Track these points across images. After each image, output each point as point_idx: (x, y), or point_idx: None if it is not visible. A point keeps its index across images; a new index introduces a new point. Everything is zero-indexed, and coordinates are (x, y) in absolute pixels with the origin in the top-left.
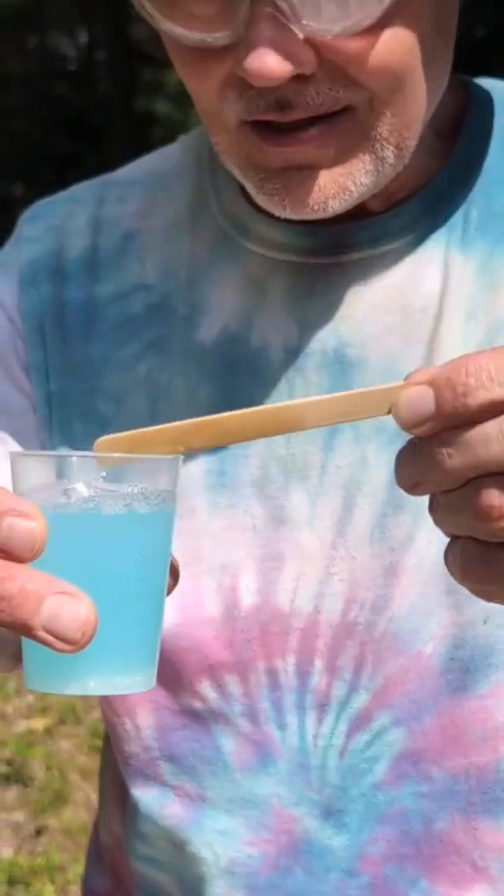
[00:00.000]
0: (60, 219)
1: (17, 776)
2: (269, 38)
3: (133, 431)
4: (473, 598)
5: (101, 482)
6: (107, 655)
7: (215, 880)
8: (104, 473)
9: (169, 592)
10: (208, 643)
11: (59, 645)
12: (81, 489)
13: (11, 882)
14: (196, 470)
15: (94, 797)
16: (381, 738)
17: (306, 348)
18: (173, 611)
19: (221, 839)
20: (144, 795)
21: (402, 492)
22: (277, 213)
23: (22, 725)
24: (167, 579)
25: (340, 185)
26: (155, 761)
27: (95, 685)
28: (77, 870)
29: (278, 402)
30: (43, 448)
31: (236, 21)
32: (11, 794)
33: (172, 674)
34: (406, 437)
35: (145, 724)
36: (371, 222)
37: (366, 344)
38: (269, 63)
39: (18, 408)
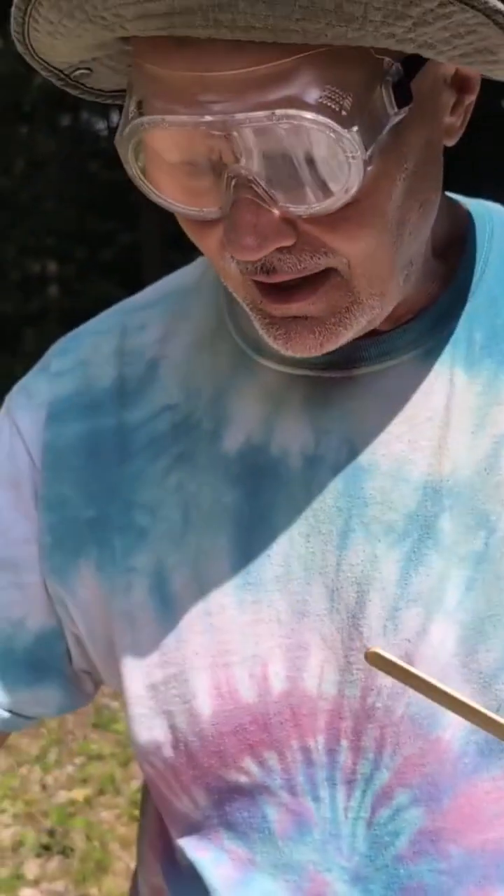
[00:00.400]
0: (87, 353)
1: (58, 846)
2: (249, 222)
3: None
4: (488, 686)
5: None
6: None
7: None
8: None
9: None
10: (246, 726)
11: None
12: None
13: None
14: (224, 569)
15: (133, 866)
16: (402, 815)
17: (322, 455)
18: (211, 700)
19: None
20: (201, 857)
21: (413, 587)
22: (282, 352)
23: (62, 796)
24: None
25: (334, 332)
26: (215, 828)
27: None
28: None
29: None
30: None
31: (223, 201)
32: (53, 864)
33: (218, 754)
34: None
35: (202, 799)
36: (379, 340)
37: (376, 451)
38: (248, 244)
39: (23, 536)
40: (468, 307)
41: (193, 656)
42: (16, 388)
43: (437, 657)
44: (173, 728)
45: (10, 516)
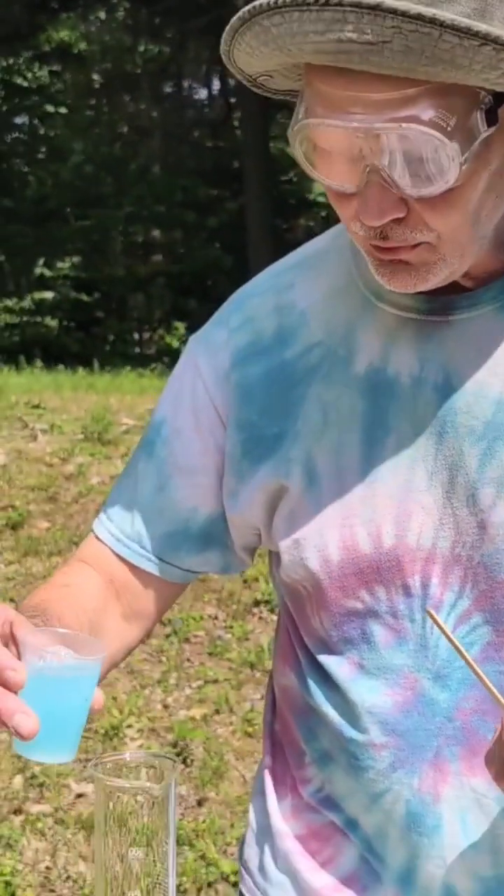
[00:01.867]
0: (253, 311)
1: (180, 757)
2: (376, 199)
3: None
4: None
5: (63, 652)
6: (45, 743)
7: (362, 717)
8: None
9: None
10: (363, 569)
11: (19, 737)
12: (45, 655)
13: (179, 843)
14: (353, 456)
15: (247, 775)
16: (476, 631)
17: (425, 377)
18: (339, 550)
19: (368, 692)
20: (326, 660)
21: (487, 473)
22: (386, 286)
23: (182, 714)
24: (87, 706)
25: (423, 277)
26: (336, 642)
27: (38, 758)
28: (234, 834)
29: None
30: (217, 484)
31: (359, 182)
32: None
33: (342, 588)
34: (488, 438)
35: (327, 620)
36: (468, 295)
37: (465, 375)
38: (374, 216)
39: (200, 450)
40: None
41: (328, 519)
42: (197, 337)
43: (503, 524)
44: (311, 570)
45: (190, 435)
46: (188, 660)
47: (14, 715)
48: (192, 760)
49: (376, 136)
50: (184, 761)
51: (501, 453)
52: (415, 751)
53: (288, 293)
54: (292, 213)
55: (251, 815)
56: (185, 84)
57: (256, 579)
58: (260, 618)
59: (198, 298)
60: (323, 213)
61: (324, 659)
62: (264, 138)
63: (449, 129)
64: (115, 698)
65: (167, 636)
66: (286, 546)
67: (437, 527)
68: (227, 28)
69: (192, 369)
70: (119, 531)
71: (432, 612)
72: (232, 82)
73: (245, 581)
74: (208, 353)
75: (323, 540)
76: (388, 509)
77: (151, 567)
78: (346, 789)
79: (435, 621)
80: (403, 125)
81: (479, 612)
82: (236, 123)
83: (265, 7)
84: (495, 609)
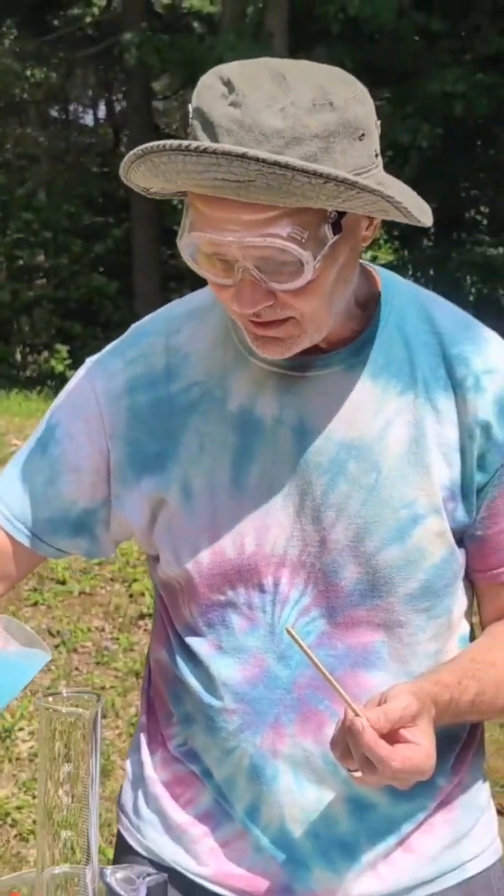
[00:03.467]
0: (147, 348)
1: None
2: (248, 293)
3: None
4: (367, 561)
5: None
6: None
7: (218, 687)
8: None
9: None
10: (228, 570)
11: None
12: None
13: None
14: (224, 479)
15: None
16: (313, 622)
17: (284, 419)
18: (208, 554)
19: (225, 667)
20: (192, 641)
21: (330, 500)
22: (260, 355)
23: None
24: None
25: (288, 348)
26: (201, 626)
27: None
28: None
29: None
30: (96, 490)
31: (234, 278)
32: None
33: (209, 585)
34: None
35: (195, 609)
36: (323, 356)
37: (315, 421)
38: (247, 306)
39: (88, 453)
40: (376, 342)
41: (201, 529)
42: (96, 360)
43: (339, 541)
44: (186, 569)
45: (81, 440)
46: (76, 668)
47: None
48: None
49: (245, 247)
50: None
51: (341, 485)
52: (259, 716)
53: (176, 336)
54: (175, 241)
55: (128, 767)
56: (72, 109)
57: (142, 594)
58: (145, 630)
59: (83, 323)
60: None
61: (190, 640)
62: None
63: (303, 240)
64: None
65: (56, 646)
66: (167, 549)
67: (288, 539)
68: (125, 160)
69: (88, 387)
70: (7, 510)
71: (291, 630)
72: (118, 107)
73: (131, 596)
74: (105, 377)
75: (196, 546)
76: (250, 523)
77: (29, 542)
78: (203, 745)
79: (293, 638)
80: (267, 240)
81: (317, 607)
82: (123, 150)
83: (156, 149)
84: (329, 606)
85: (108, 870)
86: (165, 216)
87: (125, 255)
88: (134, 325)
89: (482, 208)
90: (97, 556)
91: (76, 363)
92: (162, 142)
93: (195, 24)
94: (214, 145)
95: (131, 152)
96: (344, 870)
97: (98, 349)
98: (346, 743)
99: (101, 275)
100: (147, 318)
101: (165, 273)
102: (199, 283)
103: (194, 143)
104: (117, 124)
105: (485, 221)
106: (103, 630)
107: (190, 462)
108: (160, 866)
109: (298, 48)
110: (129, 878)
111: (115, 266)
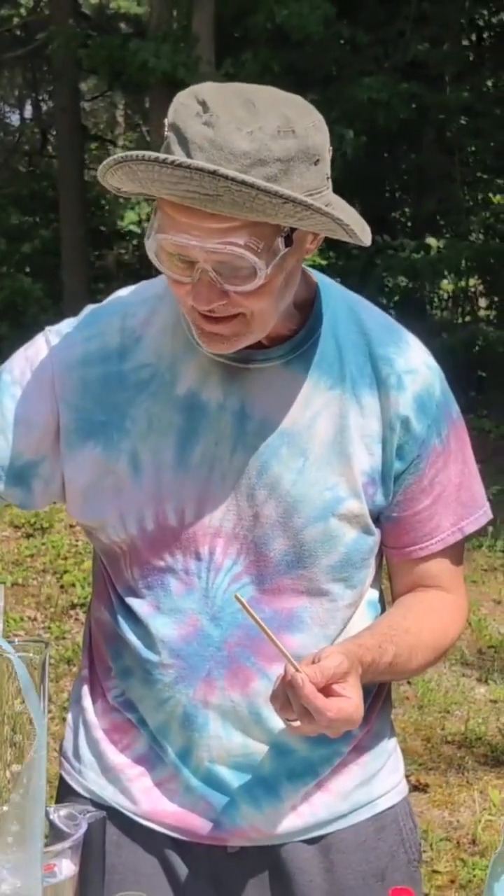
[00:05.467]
0: (103, 327)
1: None
2: (205, 291)
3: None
4: (295, 535)
5: None
6: None
7: (156, 644)
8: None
9: None
10: (168, 538)
11: None
12: None
13: None
14: (169, 455)
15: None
16: (243, 589)
17: (227, 405)
18: (152, 522)
19: (162, 626)
20: (133, 601)
21: (264, 479)
22: (204, 348)
23: None
24: None
25: (232, 344)
26: (141, 588)
27: None
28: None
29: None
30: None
31: (193, 277)
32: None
33: (152, 550)
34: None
35: (136, 572)
36: (263, 351)
37: (254, 408)
38: (203, 303)
39: (39, 410)
40: (310, 342)
41: (147, 499)
42: (55, 330)
43: (270, 517)
44: (130, 536)
45: (33, 398)
46: None
47: None
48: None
49: (207, 251)
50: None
51: (274, 467)
52: (192, 670)
53: (131, 320)
54: (104, 242)
55: (70, 718)
56: None
57: (73, 585)
58: (76, 619)
59: (9, 324)
60: (134, 242)
61: (130, 600)
62: (79, 167)
63: (258, 250)
64: None
65: None
66: (113, 513)
67: (224, 512)
68: (106, 162)
69: (45, 350)
70: None
71: (239, 596)
72: (45, 107)
73: (62, 586)
74: (62, 346)
75: (142, 514)
76: (191, 497)
77: None
78: (140, 696)
79: (241, 603)
80: (227, 247)
81: (248, 575)
82: (51, 150)
83: (134, 157)
84: (259, 574)
85: (52, 808)
86: (94, 217)
87: (52, 255)
88: (90, 307)
89: (406, 210)
90: (28, 508)
91: (2, 363)
92: (142, 152)
93: (122, 26)
94: (189, 161)
95: (112, 157)
96: (267, 807)
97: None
98: (286, 696)
99: (28, 276)
100: (102, 302)
101: (93, 274)
102: (124, 284)
103: (171, 157)
104: (44, 125)
105: (409, 224)
106: (35, 619)
107: (139, 438)
108: (100, 805)
109: (225, 53)
110: (72, 814)
111: (42, 267)
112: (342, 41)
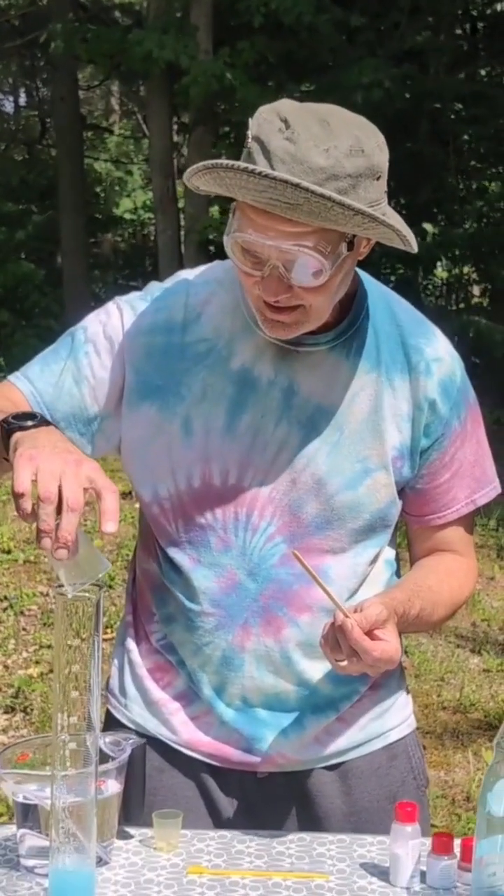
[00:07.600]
0: (171, 301)
1: (20, 706)
2: (274, 285)
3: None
4: (328, 500)
5: None
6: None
7: (198, 595)
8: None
9: None
10: (212, 496)
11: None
12: None
13: None
14: (219, 423)
15: None
16: (277, 547)
17: (277, 381)
18: (199, 480)
19: (203, 578)
20: (176, 554)
21: (305, 451)
22: (266, 333)
23: (21, 673)
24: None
25: (291, 331)
26: (183, 543)
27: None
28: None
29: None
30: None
31: (264, 272)
32: (17, 718)
33: (196, 506)
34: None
35: (180, 526)
36: (312, 337)
37: (301, 385)
38: (271, 295)
39: (108, 366)
40: (353, 330)
41: (196, 459)
42: (125, 299)
43: (306, 483)
44: (178, 491)
45: (105, 356)
46: (24, 629)
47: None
48: (31, 709)
49: (281, 251)
50: (24, 710)
51: (313, 440)
52: (231, 619)
53: (194, 298)
54: (100, 228)
55: (115, 659)
56: None
57: None
58: None
59: (9, 310)
60: (130, 230)
61: (173, 553)
62: (78, 154)
63: (326, 252)
64: None
65: (3, 609)
66: (164, 469)
67: (263, 478)
68: (194, 167)
69: (117, 317)
70: (38, 393)
71: (297, 553)
72: (40, 95)
73: None
74: (133, 314)
75: (190, 471)
76: (235, 461)
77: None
78: (181, 640)
79: (299, 560)
80: (300, 249)
81: (280, 535)
82: (48, 139)
83: (225, 165)
84: (291, 534)
85: (99, 735)
86: (91, 205)
87: (49, 242)
88: (155, 284)
89: (401, 199)
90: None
91: (3, 350)
92: (233, 161)
93: (120, 17)
94: (276, 173)
95: (202, 163)
96: (293, 737)
97: (25, 336)
98: (335, 639)
99: (28, 262)
100: (166, 281)
101: (91, 259)
102: (120, 270)
103: (259, 168)
104: (42, 114)
105: (404, 212)
106: (47, 595)
107: (193, 404)
108: (143, 735)
109: (222, 42)
110: (117, 741)
111: (38, 253)
112: (336, 30)
